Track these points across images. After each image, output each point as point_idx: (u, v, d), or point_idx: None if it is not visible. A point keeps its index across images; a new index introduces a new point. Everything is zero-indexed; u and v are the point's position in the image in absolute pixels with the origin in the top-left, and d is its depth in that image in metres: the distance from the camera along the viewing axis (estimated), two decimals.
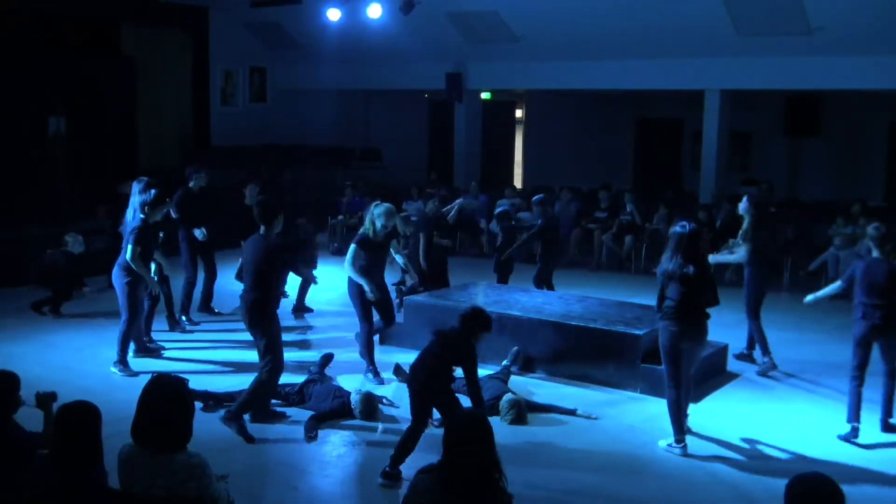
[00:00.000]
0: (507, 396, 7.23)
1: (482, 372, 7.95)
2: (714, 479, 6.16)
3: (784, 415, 7.51)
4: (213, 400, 7.27)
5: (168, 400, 3.84)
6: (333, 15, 15.82)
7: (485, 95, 19.63)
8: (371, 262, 8.02)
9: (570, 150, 20.97)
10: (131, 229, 8.12)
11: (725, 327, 8.96)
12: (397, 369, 8.13)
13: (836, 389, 7.91)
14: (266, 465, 6.27)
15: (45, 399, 4.84)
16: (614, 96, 19.51)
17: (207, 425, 6.31)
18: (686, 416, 6.97)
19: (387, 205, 8.10)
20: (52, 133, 15.27)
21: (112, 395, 6.97)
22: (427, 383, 5.97)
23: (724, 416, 7.38)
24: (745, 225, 8.69)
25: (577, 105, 20.79)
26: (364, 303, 8.08)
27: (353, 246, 7.98)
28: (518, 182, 21.90)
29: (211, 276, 10.60)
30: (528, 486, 5.81)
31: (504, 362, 8.23)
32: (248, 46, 18.85)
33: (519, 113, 23.76)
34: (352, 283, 8.07)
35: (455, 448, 3.59)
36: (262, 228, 6.86)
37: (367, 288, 7.90)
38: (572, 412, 7.30)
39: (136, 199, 8.34)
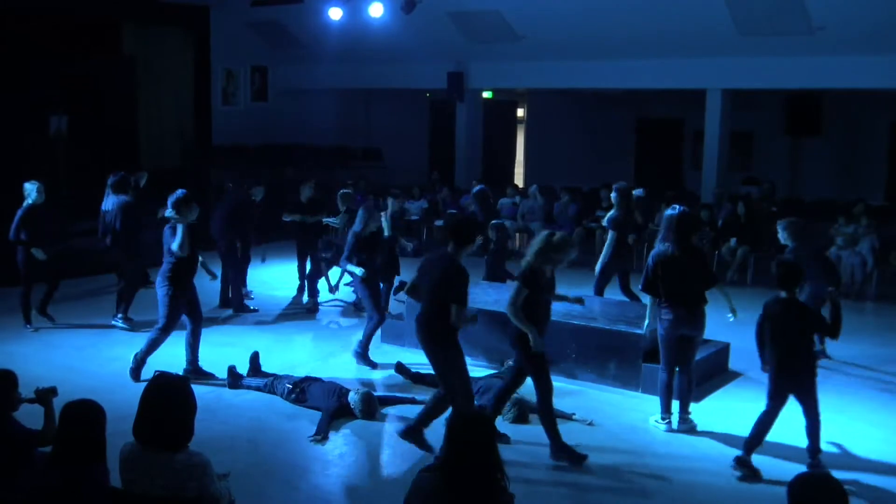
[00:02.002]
0: None
1: (484, 372, 7.99)
2: (716, 478, 6.16)
3: (785, 414, 7.49)
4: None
5: (169, 399, 3.84)
6: (335, 14, 15.81)
7: (486, 95, 19.62)
8: (539, 305, 6.34)
9: (571, 149, 20.98)
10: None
11: (727, 326, 8.93)
12: (400, 368, 8.11)
13: (838, 389, 7.92)
14: (267, 464, 6.26)
15: (44, 394, 4.83)
16: (615, 96, 19.51)
17: (208, 424, 6.30)
18: (688, 413, 7.00)
19: (562, 234, 6.50)
20: (53, 132, 15.27)
21: (114, 393, 6.96)
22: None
23: (726, 415, 7.37)
24: (611, 212, 9.82)
25: (579, 104, 20.78)
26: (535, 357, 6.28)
27: (517, 285, 6.30)
28: (519, 181, 21.89)
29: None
30: (528, 486, 5.82)
31: (509, 362, 8.20)
32: (250, 46, 18.83)
33: (520, 112, 23.74)
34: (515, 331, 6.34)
35: (456, 447, 3.58)
36: (452, 246, 6.12)
37: (531, 337, 6.17)
38: (569, 416, 7.23)
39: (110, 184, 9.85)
